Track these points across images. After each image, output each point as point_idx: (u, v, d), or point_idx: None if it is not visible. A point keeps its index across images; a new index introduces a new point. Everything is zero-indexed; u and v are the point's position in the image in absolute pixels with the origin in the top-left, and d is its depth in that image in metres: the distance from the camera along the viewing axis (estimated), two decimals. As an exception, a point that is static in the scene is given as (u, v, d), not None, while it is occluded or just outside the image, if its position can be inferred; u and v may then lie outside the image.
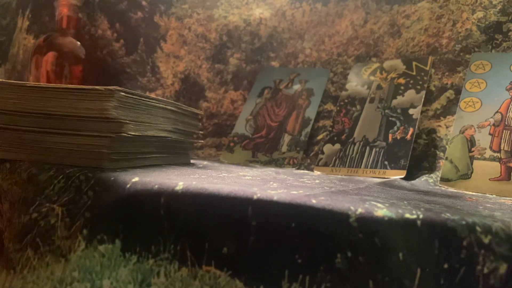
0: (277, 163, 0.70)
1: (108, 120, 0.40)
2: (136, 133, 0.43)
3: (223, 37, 0.86)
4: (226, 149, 0.75)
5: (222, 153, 0.75)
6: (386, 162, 0.60)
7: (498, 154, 0.52)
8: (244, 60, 0.84)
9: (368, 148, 0.63)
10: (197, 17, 0.88)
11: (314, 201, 0.29)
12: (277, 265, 0.29)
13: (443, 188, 0.52)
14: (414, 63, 0.68)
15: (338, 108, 0.71)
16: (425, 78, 0.66)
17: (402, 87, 0.67)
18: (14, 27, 1.00)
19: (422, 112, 0.64)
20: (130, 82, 0.89)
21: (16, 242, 0.37)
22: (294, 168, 0.68)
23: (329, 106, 0.74)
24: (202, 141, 0.78)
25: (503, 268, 0.25)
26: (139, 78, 0.89)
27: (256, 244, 0.29)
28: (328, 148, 0.66)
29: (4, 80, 0.42)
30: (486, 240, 0.25)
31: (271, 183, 0.39)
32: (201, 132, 0.59)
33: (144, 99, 0.45)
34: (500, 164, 0.52)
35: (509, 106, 0.55)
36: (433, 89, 0.66)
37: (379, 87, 0.69)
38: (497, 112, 0.55)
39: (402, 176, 0.57)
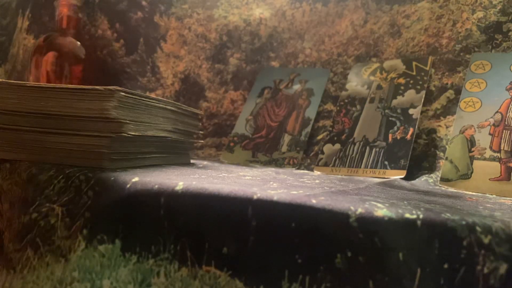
0: (277, 163, 0.70)
1: (108, 120, 0.40)
2: (136, 133, 0.43)
3: (223, 37, 0.86)
4: (226, 149, 0.75)
5: (222, 153, 0.75)
6: (386, 162, 0.60)
7: (498, 154, 0.52)
8: (244, 60, 0.84)
9: (368, 148, 0.63)
10: (197, 17, 0.88)
11: (314, 201, 0.29)
12: (277, 265, 0.29)
13: (443, 188, 0.52)
14: (414, 63, 0.68)
15: (338, 108, 0.71)
16: (425, 78, 0.66)
17: (402, 87, 0.67)
18: (14, 27, 1.00)
19: (422, 112, 0.64)
20: (130, 82, 0.89)
21: (16, 242, 0.37)
22: (294, 168, 0.68)
23: (329, 106, 0.74)
24: (202, 141, 0.78)
25: (503, 268, 0.25)
26: (139, 78, 0.89)
27: (256, 244, 0.29)
28: (328, 148, 0.66)
29: (4, 80, 0.42)
30: (486, 240, 0.25)
31: (271, 183, 0.39)
32: (201, 132, 0.59)
33: (144, 99, 0.45)
34: (500, 164, 0.52)
35: (509, 106, 0.55)
36: (433, 89, 0.66)
37: (379, 87, 0.69)
38: (497, 112, 0.55)
39: (402, 176, 0.57)
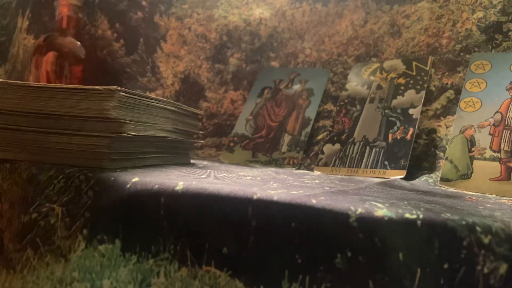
0: (277, 163, 0.70)
1: (108, 120, 0.40)
2: (136, 133, 0.43)
3: (223, 37, 0.86)
4: (226, 149, 0.75)
5: (222, 153, 0.75)
6: (386, 162, 0.60)
7: (498, 154, 0.52)
8: (244, 60, 0.84)
9: (368, 148, 0.63)
10: (197, 17, 0.88)
11: (314, 201, 0.29)
12: (277, 265, 0.29)
13: (443, 188, 0.52)
14: (414, 63, 0.68)
15: (338, 108, 0.71)
16: (425, 78, 0.66)
17: (402, 87, 0.67)
18: (14, 27, 1.00)
19: (422, 112, 0.64)
20: (130, 82, 0.89)
21: (16, 242, 0.37)
22: (294, 168, 0.68)
23: (329, 106, 0.74)
24: (202, 141, 0.78)
25: (503, 268, 0.25)
26: (139, 78, 0.89)
27: (256, 244, 0.29)
28: (328, 148, 0.66)
29: (4, 80, 0.42)
30: (486, 240, 0.25)
31: (271, 183, 0.39)
32: (201, 132, 0.59)
33: (144, 99, 0.45)
34: (500, 164, 0.52)
35: (509, 106, 0.55)
36: (433, 89, 0.66)
37: (379, 87, 0.69)
38: (497, 112, 0.55)
39: (402, 176, 0.57)
